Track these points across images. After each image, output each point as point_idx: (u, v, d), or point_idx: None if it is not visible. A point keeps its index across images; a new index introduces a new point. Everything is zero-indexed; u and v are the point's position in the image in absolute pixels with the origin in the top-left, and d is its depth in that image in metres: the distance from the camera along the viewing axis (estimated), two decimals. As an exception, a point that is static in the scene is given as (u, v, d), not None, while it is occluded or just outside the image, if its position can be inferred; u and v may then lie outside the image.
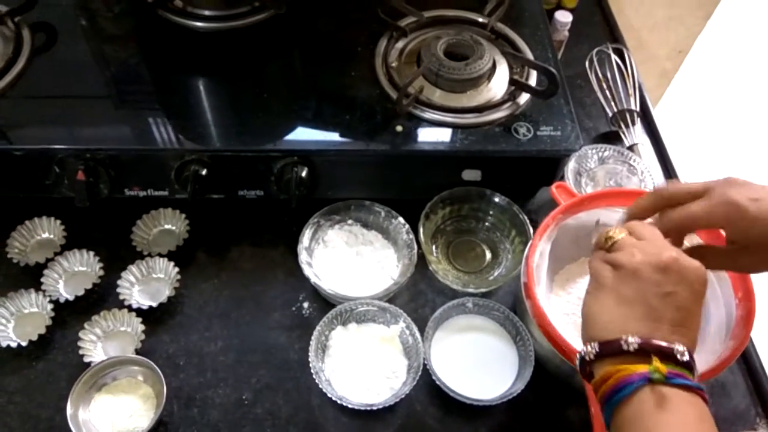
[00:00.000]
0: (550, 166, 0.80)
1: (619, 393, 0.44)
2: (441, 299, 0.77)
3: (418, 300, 0.78)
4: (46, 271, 0.75)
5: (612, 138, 0.94)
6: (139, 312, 0.73)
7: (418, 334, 0.70)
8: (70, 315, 0.74)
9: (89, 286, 0.74)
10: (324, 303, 0.77)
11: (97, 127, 0.76)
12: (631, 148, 0.90)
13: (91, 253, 0.77)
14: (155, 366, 0.67)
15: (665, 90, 1.45)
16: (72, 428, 0.64)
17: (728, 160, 1.95)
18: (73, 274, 0.77)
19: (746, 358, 0.75)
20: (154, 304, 0.74)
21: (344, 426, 0.69)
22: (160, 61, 0.84)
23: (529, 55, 0.85)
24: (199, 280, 0.78)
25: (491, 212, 0.82)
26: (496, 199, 0.80)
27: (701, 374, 0.59)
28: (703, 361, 0.61)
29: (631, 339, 0.45)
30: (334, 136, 0.76)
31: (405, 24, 0.86)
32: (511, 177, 0.80)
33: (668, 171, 0.93)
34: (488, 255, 0.82)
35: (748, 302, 0.63)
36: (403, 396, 0.67)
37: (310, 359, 0.68)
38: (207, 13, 0.84)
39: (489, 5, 0.90)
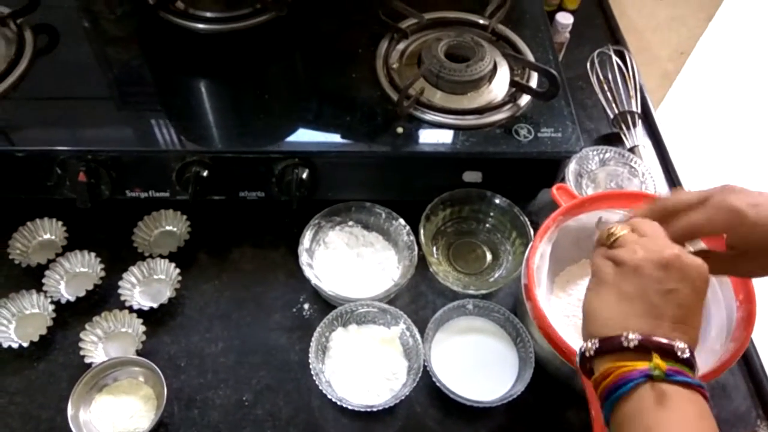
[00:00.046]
0: (550, 168, 0.80)
1: (619, 389, 0.44)
2: (441, 301, 0.77)
3: (419, 301, 0.78)
4: (47, 272, 0.76)
5: (613, 140, 0.94)
6: (140, 313, 0.73)
7: (418, 336, 0.70)
8: (72, 316, 0.74)
9: (90, 287, 0.74)
10: (324, 304, 0.77)
11: (99, 129, 0.76)
12: (632, 149, 0.90)
13: (93, 254, 0.77)
14: (156, 367, 0.67)
15: (667, 92, 1.45)
16: (73, 429, 0.64)
17: (730, 162, 1.94)
18: (75, 275, 0.77)
19: (747, 360, 0.75)
20: (155, 305, 0.74)
21: (344, 427, 0.69)
22: (162, 62, 0.85)
23: (530, 57, 0.85)
24: (200, 282, 0.78)
25: (492, 214, 0.82)
26: (497, 201, 0.80)
27: (702, 376, 0.59)
28: (704, 363, 0.61)
29: (631, 335, 0.45)
30: (335, 138, 0.76)
31: (406, 26, 0.87)
32: (511, 179, 0.81)
33: (669, 173, 0.92)
34: (489, 256, 0.82)
35: (749, 304, 0.64)
36: (403, 397, 0.67)
37: (310, 360, 0.68)
38: (209, 15, 0.84)
39: (490, 7, 0.90)
